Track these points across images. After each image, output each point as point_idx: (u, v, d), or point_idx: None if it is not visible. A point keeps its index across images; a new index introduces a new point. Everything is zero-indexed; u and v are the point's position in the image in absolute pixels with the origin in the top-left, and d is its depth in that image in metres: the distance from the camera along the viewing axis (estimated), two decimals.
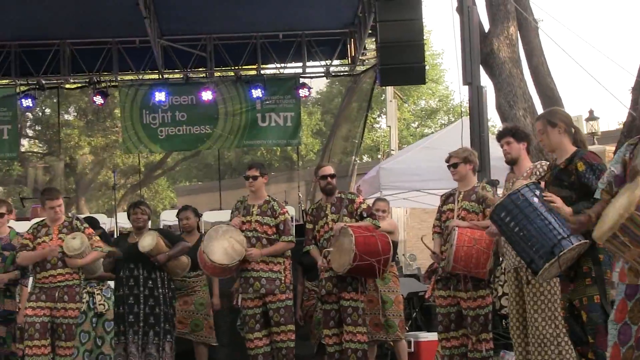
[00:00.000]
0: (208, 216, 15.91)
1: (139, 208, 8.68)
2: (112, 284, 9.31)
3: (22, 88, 15.97)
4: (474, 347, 7.38)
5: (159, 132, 15.98)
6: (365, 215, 8.10)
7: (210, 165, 35.69)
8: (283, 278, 8.16)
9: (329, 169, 8.33)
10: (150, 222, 9.12)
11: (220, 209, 17.19)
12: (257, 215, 8.20)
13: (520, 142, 6.83)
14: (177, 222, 10.01)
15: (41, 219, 8.68)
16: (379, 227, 8.14)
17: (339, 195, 8.26)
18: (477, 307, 7.33)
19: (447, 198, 7.71)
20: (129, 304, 8.35)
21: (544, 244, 5.24)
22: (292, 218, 10.31)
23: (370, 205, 8.64)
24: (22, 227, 10.33)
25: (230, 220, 8.35)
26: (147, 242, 8.34)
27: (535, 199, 5.35)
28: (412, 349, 9.48)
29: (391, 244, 7.95)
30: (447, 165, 7.63)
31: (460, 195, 7.52)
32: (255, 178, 8.29)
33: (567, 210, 5.28)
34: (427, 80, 14.79)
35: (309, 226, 8.40)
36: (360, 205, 8.17)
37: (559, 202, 5.32)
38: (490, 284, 7.54)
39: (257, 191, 8.33)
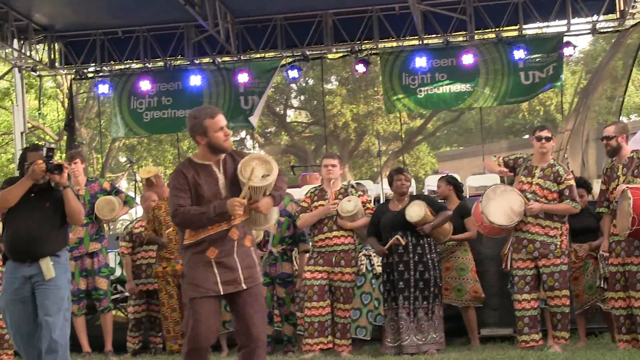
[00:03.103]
0: (472, 181, 15.80)
1: (402, 174, 8.71)
2: None
3: (288, 60, 16.59)
4: None
5: (417, 93, 16.02)
6: None
7: (471, 130, 35.41)
8: (559, 243, 7.92)
9: (608, 130, 7.96)
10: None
11: (484, 173, 16.99)
12: (539, 178, 7.99)
13: None
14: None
15: (318, 184, 8.98)
16: None
17: (632, 154, 7.85)
18: None
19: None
20: (399, 271, 8.42)
21: None
22: None
23: None
24: (293, 195, 10.70)
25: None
26: (416, 212, 8.36)
27: None
28: None
29: None
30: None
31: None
32: (548, 139, 8.04)
33: None
34: None
35: (602, 187, 8.05)
36: None
37: None
38: None
39: (546, 153, 8.10)
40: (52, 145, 6.29)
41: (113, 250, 10.71)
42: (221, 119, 5.19)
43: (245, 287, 5.11)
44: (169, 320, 9.30)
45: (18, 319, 6.18)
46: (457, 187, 9.54)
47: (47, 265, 6.12)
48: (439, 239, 8.60)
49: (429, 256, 8.43)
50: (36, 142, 26.52)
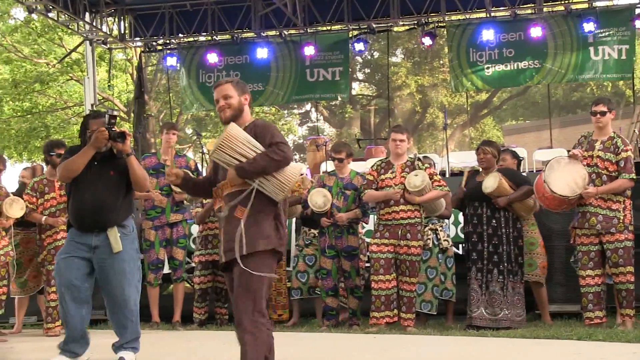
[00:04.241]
0: (539, 155, 15.64)
1: (481, 148, 8.72)
2: (448, 221, 9.51)
3: (354, 33, 16.57)
4: None
5: (485, 70, 15.89)
6: None
7: (537, 103, 34.93)
8: (622, 217, 7.87)
9: None
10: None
11: (551, 147, 16.81)
12: (599, 150, 7.95)
13: None
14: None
15: (384, 157, 9.01)
16: None
17: None
18: None
19: None
20: (473, 242, 8.48)
21: None
22: None
23: None
24: (358, 167, 10.75)
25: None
26: (489, 183, 8.39)
27: None
28: None
29: None
30: None
31: None
32: (602, 114, 8.00)
33: None
34: None
35: None
36: None
37: None
38: None
39: (603, 127, 8.04)
40: (115, 113, 6.11)
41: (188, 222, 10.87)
42: (216, 91, 5.17)
43: (224, 260, 4.94)
44: None
45: (69, 275, 6.04)
46: (519, 162, 9.52)
47: (115, 238, 6.04)
48: (521, 214, 8.57)
49: (504, 230, 8.44)
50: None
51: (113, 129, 5.99)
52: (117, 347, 6.22)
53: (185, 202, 9.81)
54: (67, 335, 6.17)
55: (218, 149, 4.85)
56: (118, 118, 6.18)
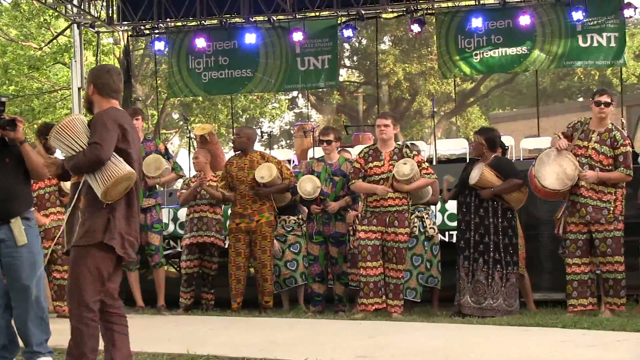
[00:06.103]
0: (525, 143, 15.69)
1: (473, 135, 8.74)
2: (434, 209, 9.54)
3: (343, 19, 16.52)
4: None
5: (473, 56, 15.90)
6: None
7: (523, 92, 35.04)
8: (612, 208, 7.87)
9: None
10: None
11: (538, 135, 16.87)
12: (595, 142, 7.92)
13: None
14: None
15: (372, 144, 8.99)
16: None
17: None
18: None
19: None
20: (461, 230, 8.49)
21: None
22: None
23: None
24: (346, 155, 10.71)
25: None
26: (473, 174, 8.36)
27: None
28: None
29: None
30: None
31: None
32: (607, 105, 7.94)
33: None
34: None
35: None
36: None
37: None
38: None
39: (604, 118, 8.00)
40: (3, 99, 5.62)
41: (167, 207, 10.83)
42: None
43: (67, 248, 5.05)
44: (232, 278, 9.27)
45: None
46: (504, 151, 9.49)
47: (20, 230, 5.64)
48: (510, 205, 8.53)
49: (492, 220, 8.39)
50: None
51: (2, 117, 5.55)
52: (30, 354, 5.71)
53: (157, 186, 9.75)
54: None
55: (52, 135, 4.94)
56: (6, 103, 5.71)
